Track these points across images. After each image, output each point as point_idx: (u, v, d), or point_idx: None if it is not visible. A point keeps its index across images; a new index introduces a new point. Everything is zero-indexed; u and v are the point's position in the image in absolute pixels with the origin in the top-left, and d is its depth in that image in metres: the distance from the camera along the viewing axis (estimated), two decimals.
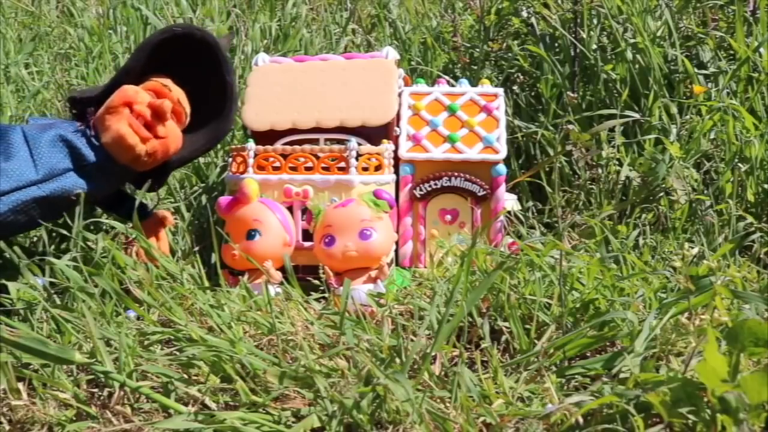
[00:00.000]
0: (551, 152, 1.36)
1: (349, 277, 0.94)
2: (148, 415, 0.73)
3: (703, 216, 1.19)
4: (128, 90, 0.99)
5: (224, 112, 1.04)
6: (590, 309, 0.85)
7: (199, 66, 1.04)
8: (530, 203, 1.34)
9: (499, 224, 1.11)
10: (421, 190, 1.11)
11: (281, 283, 0.96)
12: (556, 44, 1.48)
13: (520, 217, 1.17)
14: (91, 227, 1.11)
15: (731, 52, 1.44)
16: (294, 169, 1.07)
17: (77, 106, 1.02)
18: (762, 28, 1.40)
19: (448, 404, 0.69)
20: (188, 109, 1.05)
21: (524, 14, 1.54)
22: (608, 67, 1.42)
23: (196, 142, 1.06)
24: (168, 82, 1.04)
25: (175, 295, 0.90)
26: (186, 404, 0.72)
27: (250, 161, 1.07)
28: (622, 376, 0.73)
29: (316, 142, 1.12)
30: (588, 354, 0.80)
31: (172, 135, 1.01)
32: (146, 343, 0.82)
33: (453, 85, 1.23)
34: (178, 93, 1.04)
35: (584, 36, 1.44)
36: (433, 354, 0.73)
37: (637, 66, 1.39)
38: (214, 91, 1.05)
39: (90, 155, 0.97)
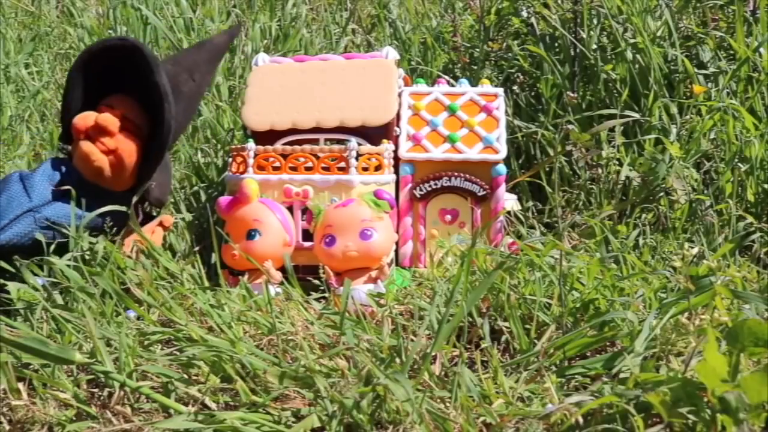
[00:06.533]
0: (551, 152, 1.36)
1: (350, 277, 0.94)
2: (148, 415, 0.73)
3: (703, 216, 1.19)
4: (77, 120, 1.03)
5: (161, 115, 1.03)
6: (590, 309, 0.85)
7: (137, 74, 1.04)
8: (530, 203, 1.33)
9: (499, 224, 1.11)
10: (421, 190, 1.11)
11: (281, 283, 0.96)
12: (556, 44, 1.48)
13: (520, 217, 1.17)
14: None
15: (731, 52, 1.44)
16: (294, 169, 1.07)
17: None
18: (762, 28, 1.40)
19: (448, 404, 0.69)
20: (139, 120, 1.05)
21: (524, 14, 1.54)
22: (608, 67, 1.42)
23: (152, 148, 1.06)
24: (116, 100, 1.05)
25: (175, 295, 0.90)
26: (186, 404, 0.72)
27: (250, 161, 1.07)
28: (622, 376, 0.73)
29: (316, 142, 1.12)
30: (588, 354, 0.80)
31: (122, 146, 1.03)
32: (146, 343, 0.82)
33: (453, 85, 1.23)
34: (126, 107, 1.05)
35: (584, 36, 1.44)
36: (433, 354, 0.73)
37: (637, 66, 1.39)
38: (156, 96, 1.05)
39: (71, 179, 1.03)
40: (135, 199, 1.01)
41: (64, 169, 1.03)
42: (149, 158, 1.05)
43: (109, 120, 1.02)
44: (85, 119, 1.03)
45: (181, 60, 1.12)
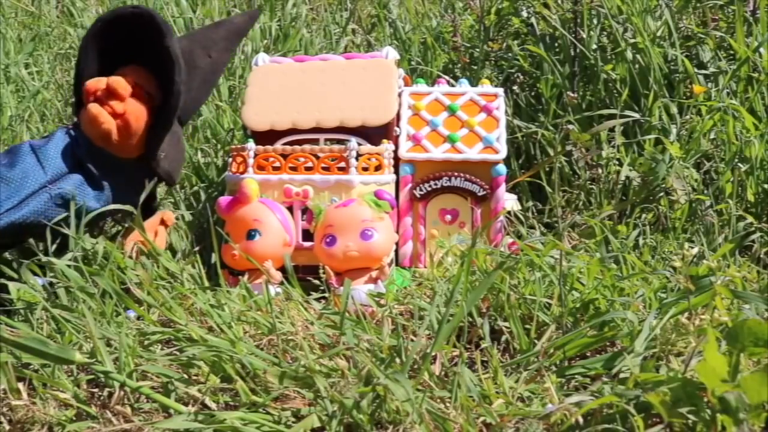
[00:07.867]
0: (551, 152, 1.36)
1: (350, 277, 0.94)
2: (148, 415, 0.73)
3: (703, 216, 1.19)
4: (89, 83, 1.04)
5: (170, 79, 1.03)
6: (590, 309, 0.85)
7: (150, 43, 1.05)
8: (530, 203, 1.33)
9: (499, 224, 1.11)
10: (421, 190, 1.11)
11: (281, 283, 0.96)
12: (556, 44, 1.48)
13: (520, 217, 1.17)
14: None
15: (731, 52, 1.44)
16: (294, 169, 1.07)
17: None
18: (762, 28, 1.40)
19: (448, 404, 0.69)
20: (152, 89, 1.06)
21: (524, 14, 1.54)
22: (608, 67, 1.42)
23: (161, 116, 1.06)
24: (129, 70, 1.05)
25: (175, 295, 0.90)
26: (186, 404, 0.72)
27: (250, 161, 1.07)
28: (622, 376, 0.73)
29: (316, 142, 1.12)
30: (588, 354, 0.80)
31: (131, 110, 1.03)
32: (146, 343, 0.82)
33: (453, 85, 1.23)
34: (139, 76, 1.05)
35: (584, 36, 1.44)
36: (433, 354, 0.73)
37: (637, 66, 1.39)
38: (166, 64, 1.06)
39: (80, 147, 1.03)
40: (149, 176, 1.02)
41: (73, 138, 1.03)
42: (158, 124, 1.05)
43: (120, 83, 1.02)
44: (96, 82, 1.03)
45: (197, 37, 1.13)
